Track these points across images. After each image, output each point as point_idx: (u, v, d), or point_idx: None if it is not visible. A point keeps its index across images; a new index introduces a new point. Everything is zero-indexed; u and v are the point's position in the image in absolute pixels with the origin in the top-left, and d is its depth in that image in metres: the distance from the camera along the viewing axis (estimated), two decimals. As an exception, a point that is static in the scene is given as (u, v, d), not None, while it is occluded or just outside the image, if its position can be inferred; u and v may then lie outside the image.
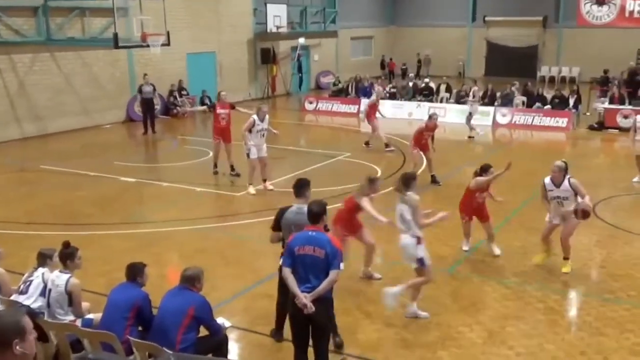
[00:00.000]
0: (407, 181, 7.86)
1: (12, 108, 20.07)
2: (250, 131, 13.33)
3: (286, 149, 17.97)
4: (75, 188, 14.25)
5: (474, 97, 22.39)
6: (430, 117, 15.03)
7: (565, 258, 9.48)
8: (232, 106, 15.37)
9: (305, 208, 6.57)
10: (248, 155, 13.51)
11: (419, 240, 7.84)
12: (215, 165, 15.45)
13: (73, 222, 11.77)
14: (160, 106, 24.27)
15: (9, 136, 19.84)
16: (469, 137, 20.26)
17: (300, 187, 7.08)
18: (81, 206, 12.89)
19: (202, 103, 25.53)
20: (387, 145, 18.09)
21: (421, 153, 14.77)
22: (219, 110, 15.28)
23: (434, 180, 14.57)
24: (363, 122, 19.93)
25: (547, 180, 9.33)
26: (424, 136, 14.65)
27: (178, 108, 24.26)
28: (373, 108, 18.76)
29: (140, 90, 21.34)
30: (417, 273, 8.01)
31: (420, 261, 7.90)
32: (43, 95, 20.74)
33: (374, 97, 19.41)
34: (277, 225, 7.14)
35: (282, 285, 6.90)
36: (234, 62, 28.31)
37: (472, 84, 23.96)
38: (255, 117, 13.41)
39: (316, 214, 6.13)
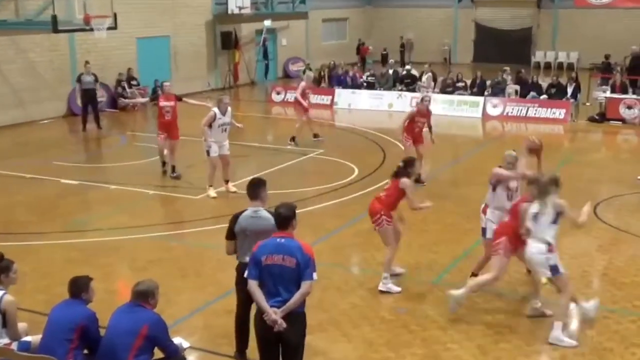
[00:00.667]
0: (547, 186, 7.97)
1: None
2: (210, 126, 13.28)
3: (251, 146, 17.93)
4: (9, 192, 14.06)
5: (426, 84, 21.42)
6: (421, 99, 14.88)
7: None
8: (177, 98, 15.30)
9: (261, 211, 6.87)
10: (208, 152, 13.47)
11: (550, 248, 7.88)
12: (164, 164, 15.38)
13: (7, 232, 11.60)
14: (106, 98, 24.05)
15: None
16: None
17: (255, 187, 7.05)
18: (16, 213, 12.71)
19: (155, 94, 25.38)
20: (315, 135, 18.47)
21: (413, 146, 14.37)
22: (161, 103, 15.18)
23: (418, 180, 14.52)
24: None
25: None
26: (417, 124, 14.44)
27: (127, 100, 24.02)
28: (304, 95, 18.78)
29: (79, 80, 21.02)
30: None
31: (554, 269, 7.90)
32: (-29, 86, 20.44)
33: (303, 82, 19.34)
34: (231, 234, 7.12)
35: (243, 297, 7.01)
36: (190, 48, 28.17)
37: (427, 68, 23.07)
38: (215, 109, 13.37)
39: (285, 218, 6.13)
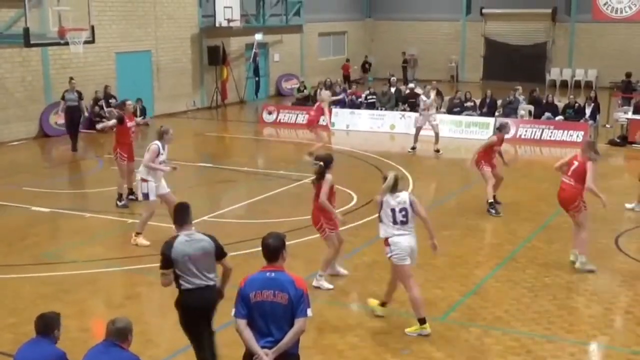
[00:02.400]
0: None
1: None
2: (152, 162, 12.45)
3: (239, 171, 17.95)
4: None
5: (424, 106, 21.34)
6: (501, 127, 15.36)
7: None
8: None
9: (195, 234, 7.36)
10: (147, 196, 12.57)
11: None
12: (132, 192, 15.21)
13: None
14: (82, 118, 24.06)
15: None
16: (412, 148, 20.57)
17: (184, 212, 7.53)
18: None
19: (134, 114, 25.41)
20: (310, 154, 18.49)
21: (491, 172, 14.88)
22: (129, 124, 15.17)
23: (495, 204, 14.67)
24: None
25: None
26: (494, 151, 14.98)
27: (104, 120, 24.05)
28: (318, 112, 19.07)
29: (63, 98, 21.39)
30: None
31: None
32: None
33: (325, 97, 19.83)
34: (167, 263, 7.31)
35: (196, 337, 7.54)
36: (174, 64, 28.31)
37: (429, 88, 22.91)
38: (158, 143, 12.54)
39: (275, 250, 6.11)
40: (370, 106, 26.10)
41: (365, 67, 39.03)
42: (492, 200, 14.73)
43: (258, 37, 31.06)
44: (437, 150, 20.22)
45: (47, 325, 6.40)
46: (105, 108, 24.44)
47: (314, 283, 10.54)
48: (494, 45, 38.29)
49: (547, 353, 8.65)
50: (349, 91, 27.63)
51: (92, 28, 19.44)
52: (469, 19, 38.90)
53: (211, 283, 7.35)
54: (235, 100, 31.37)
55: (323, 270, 10.74)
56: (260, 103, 30.08)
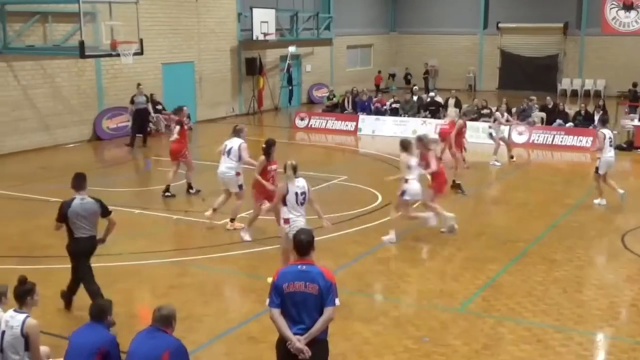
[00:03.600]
0: None
1: (-37, 125, 20.10)
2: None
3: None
4: (32, 216, 14.19)
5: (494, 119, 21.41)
6: (466, 112, 17.62)
7: None
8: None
9: (86, 198, 9.04)
10: (242, 187, 13.22)
11: None
12: (168, 188, 15.81)
13: (30, 255, 11.71)
14: (131, 123, 24.33)
15: (-41, 157, 19.82)
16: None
17: (81, 180, 9.25)
18: (39, 237, 12.81)
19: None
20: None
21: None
22: (186, 126, 16.32)
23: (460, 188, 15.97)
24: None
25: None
26: (463, 134, 16.75)
27: (152, 125, 24.27)
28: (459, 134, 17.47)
29: (132, 101, 22.46)
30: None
31: None
32: (-2, 110, 20.78)
33: (454, 116, 18.06)
34: (62, 217, 9.03)
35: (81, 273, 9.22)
36: (215, 74, 28.45)
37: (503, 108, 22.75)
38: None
39: (307, 243, 6.13)
40: (394, 113, 26.04)
41: (408, 77, 38.60)
42: (459, 182, 16.12)
43: (291, 49, 31.10)
44: (512, 157, 20.22)
45: (101, 311, 6.47)
46: (152, 114, 24.60)
47: (242, 234, 12.41)
48: (509, 57, 38.03)
49: (556, 342, 8.57)
50: (374, 99, 27.57)
51: (141, 41, 19.57)
52: (486, 32, 38.65)
53: (93, 234, 9.11)
54: (270, 107, 31.46)
55: (247, 224, 12.48)
56: (293, 110, 30.12)
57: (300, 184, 9.90)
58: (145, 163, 20.55)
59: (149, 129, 23.49)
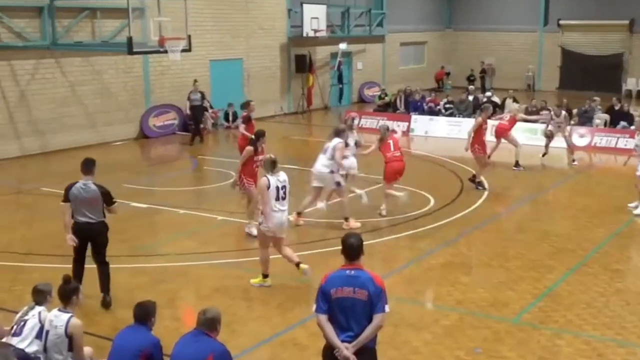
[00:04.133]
0: None
1: (11, 121, 20.54)
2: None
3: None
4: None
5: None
6: (483, 107, 17.18)
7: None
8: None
9: (90, 184, 9.42)
10: (339, 184, 13.47)
11: None
12: None
13: (73, 254, 11.90)
14: (178, 121, 24.66)
15: (7, 153, 20.29)
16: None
17: (89, 164, 9.59)
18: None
19: (226, 118, 25.82)
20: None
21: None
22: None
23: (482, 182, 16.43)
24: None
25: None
26: (484, 131, 16.50)
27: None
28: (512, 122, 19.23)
29: (188, 98, 23.34)
30: None
31: None
32: (45, 106, 21.20)
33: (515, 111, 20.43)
34: (66, 199, 9.50)
35: (78, 254, 9.72)
36: (264, 71, 28.62)
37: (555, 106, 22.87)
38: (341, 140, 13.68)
39: (357, 247, 6.09)
40: (448, 113, 25.82)
41: (471, 78, 37.11)
42: (480, 180, 16.43)
43: (342, 46, 31.09)
44: (573, 160, 19.93)
45: (145, 313, 6.54)
46: (208, 110, 24.88)
47: (246, 229, 12.72)
48: (570, 56, 37.38)
49: (618, 357, 8.37)
50: (428, 99, 27.38)
51: (189, 37, 19.73)
52: (546, 29, 38.04)
53: (92, 220, 9.49)
54: (319, 106, 31.50)
55: (250, 218, 12.64)
56: (343, 109, 30.09)
57: (281, 177, 10.18)
58: (191, 162, 20.75)
59: (202, 126, 23.83)
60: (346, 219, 13.33)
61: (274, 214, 10.07)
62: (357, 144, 14.70)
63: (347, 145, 13.72)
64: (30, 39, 20.58)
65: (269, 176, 10.10)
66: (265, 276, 10.57)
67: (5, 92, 20.35)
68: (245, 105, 16.84)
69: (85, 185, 9.45)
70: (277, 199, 10.09)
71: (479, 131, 16.30)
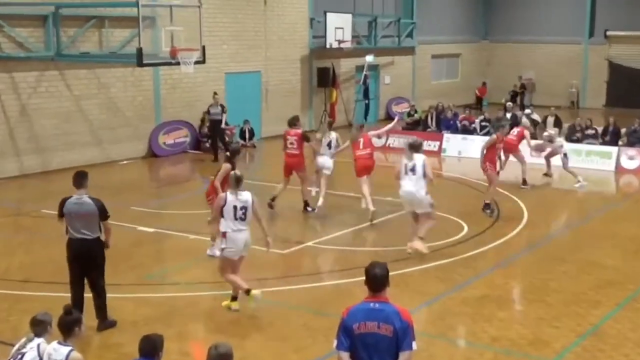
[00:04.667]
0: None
1: (11, 138, 20.76)
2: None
3: (345, 196, 17.99)
4: (82, 238, 14.55)
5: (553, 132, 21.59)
6: (499, 126, 17.40)
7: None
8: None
9: (84, 197, 9.66)
10: (432, 205, 13.55)
11: None
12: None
13: (77, 281, 11.98)
14: (190, 139, 24.81)
15: (5, 171, 20.49)
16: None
17: (81, 178, 9.84)
18: (88, 261, 13.12)
19: (242, 136, 25.93)
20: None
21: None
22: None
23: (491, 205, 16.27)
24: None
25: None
26: (497, 150, 16.64)
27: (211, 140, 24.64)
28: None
29: (208, 112, 23.90)
30: None
31: None
32: (48, 122, 21.43)
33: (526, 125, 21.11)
34: (61, 214, 9.79)
35: (77, 275, 9.88)
36: (283, 85, 28.76)
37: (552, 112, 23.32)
38: None
39: (382, 278, 6.06)
40: (484, 132, 25.76)
41: (515, 92, 37.14)
42: (489, 202, 16.35)
43: (369, 58, 31.16)
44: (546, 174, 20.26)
45: (152, 347, 6.53)
46: (228, 125, 24.87)
47: (208, 252, 13.02)
48: (618, 70, 37.22)
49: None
50: (461, 116, 27.36)
51: (203, 48, 19.85)
52: (592, 41, 37.95)
53: (88, 237, 9.68)
54: (343, 123, 31.42)
55: (214, 239, 12.66)
56: (369, 126, 30.05)
57: (243, 197, 10.38)
58: (203, 183, 20.80)
59: (230, 140, 24.19)
60: (420, 238, 13.20)
61: (233, 234, 10.34)
62: (331, 145, 16.61)
63: (329, 146, 16.21)
64: (33, 49, 20.84)
65: (228, 193, 10.40)
66: (234, 299, 10.79)
67: (6, 106, 20.58)
68: (294, 120, 17.18)
69: (80, 200, 9.68)
70: (235, 218, 10.31)
71: (491, 149, 16.50)
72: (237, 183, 10.43)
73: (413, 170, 13.15)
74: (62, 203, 9.76)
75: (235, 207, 10.29)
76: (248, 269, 12.99)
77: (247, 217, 10.38)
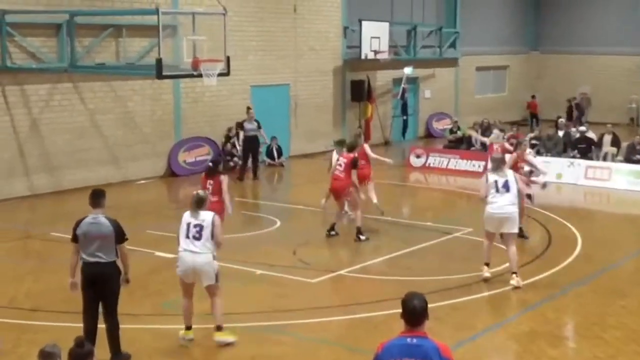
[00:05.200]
0: None
1: (21, 155, 20.99)
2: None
3: (381, 220, 17.95)
4: (95, 264, 14.64)
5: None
6: (518, 143, 17.23)
7: None
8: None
9: (100, 217, 9.67)
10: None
11: None
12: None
13: (89, 311, 12.03)
14: (212, 157, 24.89)
15: (14, 191, 20.72)
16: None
17: (98, 197, 9.90)
18: (101, 289, 13.20)
19: (269, 154, 26.00)
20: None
21: None
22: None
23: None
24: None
25: None
26: (518, 169, 15.80)
27: (236, 159, 24.72)
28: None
29: (241, 127, 24.29)
30: None
31: None
32: (60, 138, 21.67)
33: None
34: (74, 237, 9.74)
35: (89, 301, 9.81)
36: (314, 99, 28.85)
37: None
38: None
39: (421, 310, 6.01)
40: (534, 151, 25.60)
41: (570, 106, 36.93)
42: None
43: (407, 71, 31.20)
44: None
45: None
46: (237, 146, 25.03)
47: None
48: (684, 83, 36.92)
49: None
50: (508, 134, 27.19)
51: (228, 59, 19.93)
52: (654, 52, 37.68)
53: (102, 260, 9.63)
54: (379, 141, 31.48)
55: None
56: (407, 145, 30.09)
57: (200, 217, 10.49)
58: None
59: (260, 159, 24.58)
60: (514, 273, 13.23)
61: (183, 253, 10.49)
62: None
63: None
64: (46, 60, 21.12)
65: (187, 212, 10.60)
66: (187, 328, 10.80)
67: (15, 121, 20.81)
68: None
69: (96, 220, 9.71)
70: (187, 237, 10.46)
71: (513, 169, 15.55)
72: (196, 205, 10.55)
73: (506, 187, 13.24)
74: (77, 225, 9.78)
75: (189, 225, 10.47)
76: (277, 299, 13.01)
77: (202, 236, 10.40)
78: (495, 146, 19.95)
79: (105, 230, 9.66)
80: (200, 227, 10.42)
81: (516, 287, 12.99)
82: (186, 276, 10.62)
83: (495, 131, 25.11)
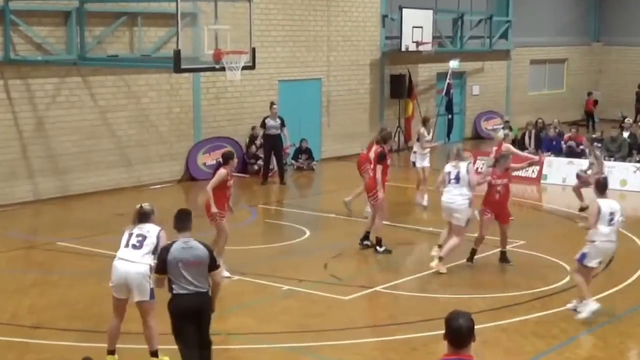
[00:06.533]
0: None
1: (24, 156, 21.07)
2: None
3: (421, 231, 17.90)
4: (103, 277, 14.54)
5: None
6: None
7: None
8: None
9: (191, 241, 9.34)
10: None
11: None
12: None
13: (96, 329, 12.04)
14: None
15: (17, 196, 20.78)
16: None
17: (184, 219, 9.64)
18: (109, 305, 13.21)
19: (297, 156, 25.93)
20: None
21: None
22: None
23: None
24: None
25: None
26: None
27: (260, 162, 24.71)
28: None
29: (263, 124, 24.08)
30: None
31: None
32: (68, 138, 21.73)
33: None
34: (163, 267, 9.33)
35: (189, 344, 9.36)
36: (348, 95, 28.82)
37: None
38: None
39: (467, 331, 5.96)
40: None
41: None
42: None
43: (453, 64, 30.99)
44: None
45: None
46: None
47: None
48: None
49: None
50: (566, 135, 27.02)
51: (253, 51, 19.88)
52: None
53: (202, 290, 9.27)
54: (421, 142, 31.37)
55: (220, 255, 13.17)
56: (452, 146, 29.86)
57: (145, 228, 10.60)
58: (249, 213, 20.86)
59: (285, 161, 24.58)
60: (440, 259, 14.66)
61: (117, 262, 10.49)
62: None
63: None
64: (53, 51, 21.17)
65: (131, 226, 10.71)
66: (110, 352, 10.63)
67: (19, 118, 20.81)
68: (386, 136, 17.29)
69: (188, 244, 9.34)
70: (127, 245, 10.48)
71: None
72: (138, 219, 10.66)
73: (457, 178, 15.07)
74: (165, 251, 9.42)
75: (131, 235, 10.55)
76: (305, 318, 13.00)
77: (142, 246, 10.37)
78: (503, 146, 19.85)
79: (202, 255, 9.30)
80: (142, 238, 10.43)
81: (437, 272, 14.65)
82: (118, 289, 10.44)
83: (502, 131, 24.76)
